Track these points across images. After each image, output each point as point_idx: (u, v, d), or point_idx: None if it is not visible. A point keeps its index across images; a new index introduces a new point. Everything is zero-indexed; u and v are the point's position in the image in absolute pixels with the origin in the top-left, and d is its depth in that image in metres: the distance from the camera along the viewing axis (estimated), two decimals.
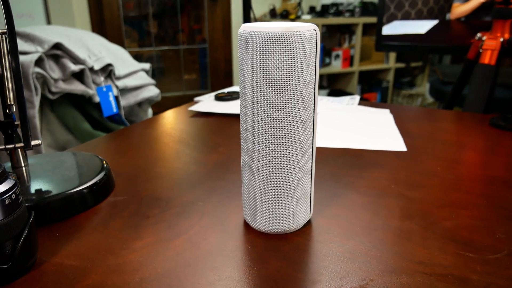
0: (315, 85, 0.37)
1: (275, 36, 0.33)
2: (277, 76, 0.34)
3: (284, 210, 0.39)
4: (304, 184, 0.39)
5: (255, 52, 0.35)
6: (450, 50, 1.34)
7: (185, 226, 0.42)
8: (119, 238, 0.40)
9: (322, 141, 0.67)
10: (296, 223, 0.40)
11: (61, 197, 0.43)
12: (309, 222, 0.43)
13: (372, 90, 3.65)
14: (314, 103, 0.38)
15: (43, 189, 0.44)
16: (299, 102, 0.36)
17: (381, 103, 0.92)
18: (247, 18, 1.07)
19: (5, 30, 0.44)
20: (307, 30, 0.34)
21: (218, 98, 0.92)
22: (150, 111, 1.66)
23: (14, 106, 0.46)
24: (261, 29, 0.34)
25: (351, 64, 3.42)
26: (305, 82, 0.36)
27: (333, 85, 3.68)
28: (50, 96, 1.19)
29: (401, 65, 3.59)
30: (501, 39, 0.97)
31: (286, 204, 0.39)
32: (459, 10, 1.26)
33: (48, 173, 0.49)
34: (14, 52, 0.44)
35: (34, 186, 0.45)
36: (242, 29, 0.36)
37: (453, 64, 3.15)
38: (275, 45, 0.33)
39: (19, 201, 0.33)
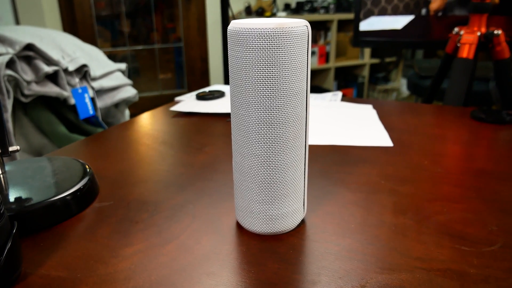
0: (307, 82, 0.36)
1: (268, 32, 0.32)
2: (270, 74, 0.33)
3: (279, 210, 0.38)
4: (298, 183, 0.39)
5: (246, 49, 0.33)
6: (426, 45, 1.36)
7: (176, 230, 0.41)
8: (108, 245, 0.38)
9: (309, 138, 0.66)
10: (290, 223, 0.40)
11: (43, 205, 0.41)
12: (303, 222, 0.42)
13: (348, 86, 3.69)
14: (306, 100, 0.37)
15: (24, 197, 0.42)
16: (292, 100, 0.35)
17: (363, 99, 0.92)
18: (225, 16, 1.06)
19: None
20: (299, 26, 0.34)
21: (200, 97, 0.90)
22: (127, 112, 1.62)
23: None
24: (252, 25, 0.33)
25: (327, 60, 3.44)
26: (299, 79, 0.35)
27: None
28: (23, 99, 1.15)
29: (376, 60, 3.64)
30: (478, 33, 0.99)
31: (281, 204, 0.38)
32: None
33: (28, 180, 0.46)
34: None
35: (14, 195, 0.43)
36: (231, 26, 0.35)
37: (428, 59, 3.21)
38: (268, 42, 0.32)
39: (1, 211, 0.31)
